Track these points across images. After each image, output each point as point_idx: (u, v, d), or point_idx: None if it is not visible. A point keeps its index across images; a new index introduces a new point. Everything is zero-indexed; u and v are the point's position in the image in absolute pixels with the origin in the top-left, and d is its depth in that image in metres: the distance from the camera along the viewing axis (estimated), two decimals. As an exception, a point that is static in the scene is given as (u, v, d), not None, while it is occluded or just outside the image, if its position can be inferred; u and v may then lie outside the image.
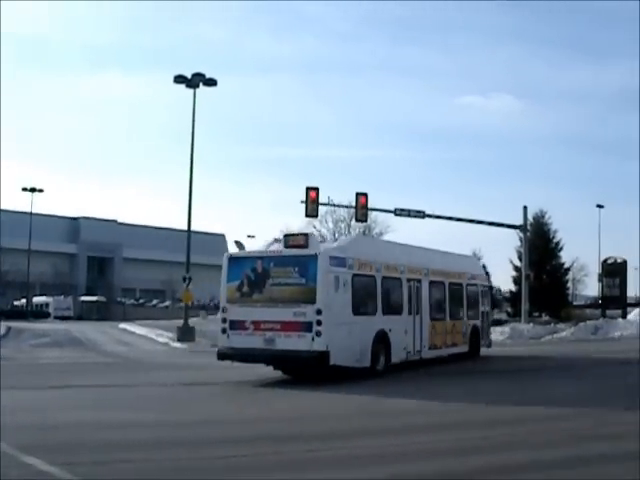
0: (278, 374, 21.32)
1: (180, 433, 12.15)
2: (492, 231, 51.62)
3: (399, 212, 44.02)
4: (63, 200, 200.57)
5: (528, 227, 49.72)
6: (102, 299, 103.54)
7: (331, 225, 67.49)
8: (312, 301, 19.10)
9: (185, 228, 44.23)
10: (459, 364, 25.17)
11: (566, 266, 63.36)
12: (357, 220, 46.48)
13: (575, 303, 77.31)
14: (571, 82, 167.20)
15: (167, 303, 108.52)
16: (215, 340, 38.92)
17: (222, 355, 20.47)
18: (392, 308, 22.46)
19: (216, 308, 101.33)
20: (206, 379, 21.61)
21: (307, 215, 41.76)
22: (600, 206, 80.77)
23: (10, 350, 33.00)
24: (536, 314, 54.24)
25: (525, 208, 47.76)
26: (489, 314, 30.64)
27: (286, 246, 20.37)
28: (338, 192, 65.08)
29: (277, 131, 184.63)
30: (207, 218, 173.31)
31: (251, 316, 19.79)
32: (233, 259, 20.98)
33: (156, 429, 12.55)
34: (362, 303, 21.11)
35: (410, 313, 23.34)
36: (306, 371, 20.41)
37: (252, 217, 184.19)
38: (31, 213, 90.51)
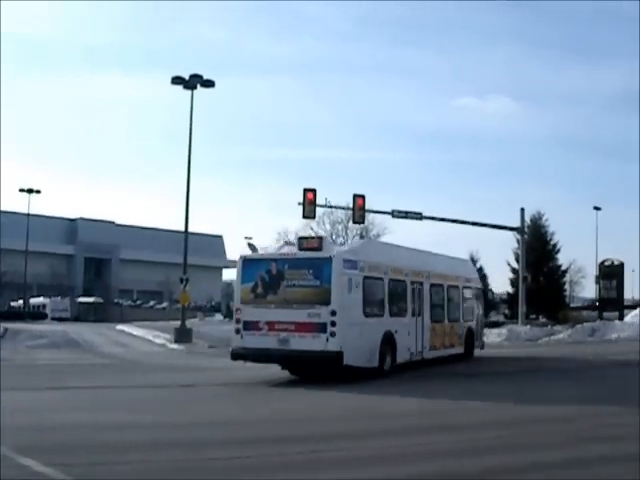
0: (278, 375, 21.39)
1: (177, 434, 12.13)
2: (489, 233, 51.75)
3: (396, 214, 44.02)
4: (60, 201, 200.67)
5: (525, 229, 49.74)
6: (99, 300, 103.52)
7: (328, 227, 67.58)
8: (326, 302, 19.50)
9: (182, 229, 44.25)
10: (457, 365, 25.45)
11: (563, 268, 63.35)
12: (354, 222, 46.48)
13: (572, 305, 77.36)
14: (568, 84, 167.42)
15: (164, 304, 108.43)
16: (212, 341, 39.54)
17: (236, 355, 20.69)
18: (398, 310, 23.00)
19: (213, 309, 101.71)
20: (203, 380, 21.62)
21: (304, 216, 41.76)
22: (597, 208, 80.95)
23: (7, 351, 32.96)
24: (533, 316, 54.21)
25: (522, 210, 47.82)
26: (482, 316, 31.26)
27: (300, 249, 20.79)
28: (336, 193, 65.44)
29: (275, 132, 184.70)
30: (204, 219, 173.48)
31: (265, 317, 20.10)
32: (247, 261, 21.29)
33: (153, 430, 12.54)
34: (371, 305, 21.57)
35: (413, 315, 23.85)
36: (319, 371, 20.68)
37: (249, 218, 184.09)
38: (28, 214, 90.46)
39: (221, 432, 12.58)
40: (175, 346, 39.01)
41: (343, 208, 50.13)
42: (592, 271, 67.12)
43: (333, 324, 19.34)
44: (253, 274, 20.69)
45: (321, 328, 19.41)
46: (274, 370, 21.66)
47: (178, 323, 43.41)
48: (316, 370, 20.79)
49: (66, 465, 9.41)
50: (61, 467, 9.24)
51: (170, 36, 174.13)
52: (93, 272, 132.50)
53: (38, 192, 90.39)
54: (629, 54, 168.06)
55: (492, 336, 41.10)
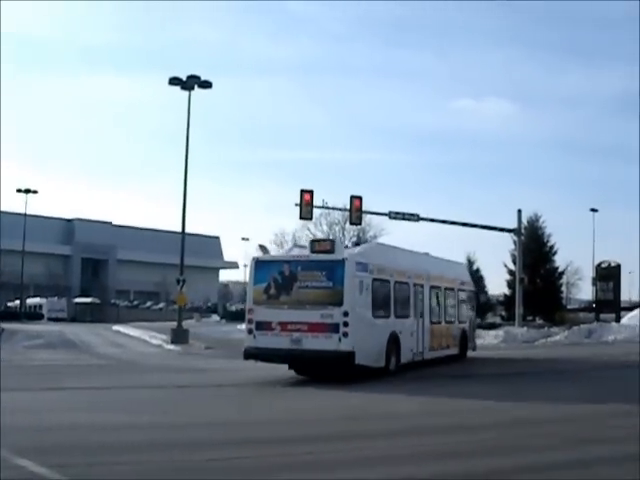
0: (278, 376, 21.54)
1: (174, 435, 12.12)
2: (486, 234, 51.71)
3: (393, 215, 44.06)
4: (58, 202, 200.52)
5: (522, 231, 49.66)
6: (96, 301, 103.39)
7: (325, 228, 67.53)
8: (339, 303, 19.97)
9: (179, 230, 44.22)
10: (455, 366, 25.92)
11: (560, 270, 63.29)
12: (351, 223, 46.54)
13: (569, 307, 77.27)
14: (566, 86, 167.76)
15: (161, 305, 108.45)
16: (208, 343, 39.59)
17: (248, 355, 21.07)
18: (402, 311, 23.55)
19: (209, 310, 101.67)
20: (201, 381, 21.66)
21: (301, 218, 41.83)
22: (594, 210, 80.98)
23: (4, 352, 32.91)
24: (530, 318, 54.21)
25: (519, 212, 47.76)
26: (475, 318, 32.00)
27: (312, 251, 21.28)
28: (333, 195, 65.43)
29: (272, 133, 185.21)
30: (201, 220, 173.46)
31: (278, 317, 20.47)
32: (260, 262, 21.82)
33: (150, 431, 12.53)
34: (379, 306, 22.06)
35: (415, 316, 24.48)
36: (331, 370, 21.00)
37: (246, 219, 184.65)
38: (25, 214, 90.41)
39: (220, 433, 12.56)
40: (172, 347, 38.99)
41: (340, 209, 50.10)
42: (589, 273, 67.14)
43: (346, 324, 19.78)
44: (265, 275, 21.07)
45: (334, 328, 19.84)
46: (273, 371, 21.79)
47: (175, 324, 43.39)
48: (328, 369, 21.11)
49: (62, 466, 9.40)
50: (58, 468, 9.22)
51: (168, 37, 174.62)
52: (90, 273, 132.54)
53: (35, 192, 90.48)
54: (627, 56, 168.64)
55: (489, 338, 41.12)
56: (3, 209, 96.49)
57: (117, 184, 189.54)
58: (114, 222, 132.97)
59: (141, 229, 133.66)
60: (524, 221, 52.33)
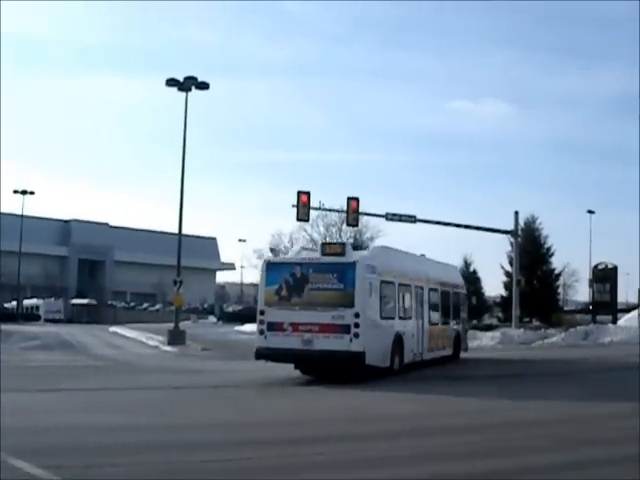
0: (277, 376, 21.76)
1: (172, 436, 12.11)
2: (483, 236, 51.58)
3: (390, 217, 44.05)
4: (54, 203, 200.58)
5: (519, 232, 49.70)
6: (93, 302, 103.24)
7: (322, 229, 67.64)
8: (350, 305, 20.50)
9: (176, 231, 44.18)
10: (452, 367, 26.38)
11: (557, 271, 63.25)
12: (348, 224, 46.60)
13: (566, 308, 77.25)
14: (563, 87, 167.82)
15: (158, 306, 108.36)
16: (205, 344, 39.55)
17: (260, 355, 21.45)
18: (405, 313, 24.18)
19: (206, 312, 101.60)
20: (198, 383, 21.65)
21: (298, 219, 41.83)
22: (591, 212, 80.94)
23: (1, 353, 32.87)
24: (527, 319, 54.24)
25: (516, 213, 47.80)
26: (467, 320, 32.57)
27: (323, 253, 21.82)
28: (330, 196, 65.37)
29: (269, 134, 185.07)
30: (198, 221, 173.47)
31: (289, 318, 20.95)
32: (271, 264, 22.64)
33: (147, 432, 12.53)
34: (386, 308, 22.56)
35: (416, 318, 25.01)
36: (342, 370, 21.26)
37: (243, 221, 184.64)
38: (22, 215, 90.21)
39: (217, 434, 12.55)
40: (168, 348, 38.93)
41: (337, 211, 50.19)
42: (586, 274, 66.99)
43: (357, 325, 20.29)
44: (277, 277, 21.53)
45: (345, 329, 20.36)
46: (271, 372, 21.93)
47: (171, 325, 43.31)
48: (338, 369, 21.39)
49: (59, 467, 9.39)
50: (54, 469, 9.22)
51: (165, 38, 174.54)
52: (87, 274, 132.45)
53: (32, 193, 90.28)
54: (625, 57, 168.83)
55: (486, 339, 41.11)
56: (0, 210, 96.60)
57: (114, 185, 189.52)
58: (111, 223, 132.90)
59: (138, 230, 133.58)
60: (521, 223, 52.37)
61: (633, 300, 65.64)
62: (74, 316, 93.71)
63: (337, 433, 12.65)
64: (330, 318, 20.53)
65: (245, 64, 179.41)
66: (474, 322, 52.07)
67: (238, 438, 12.02)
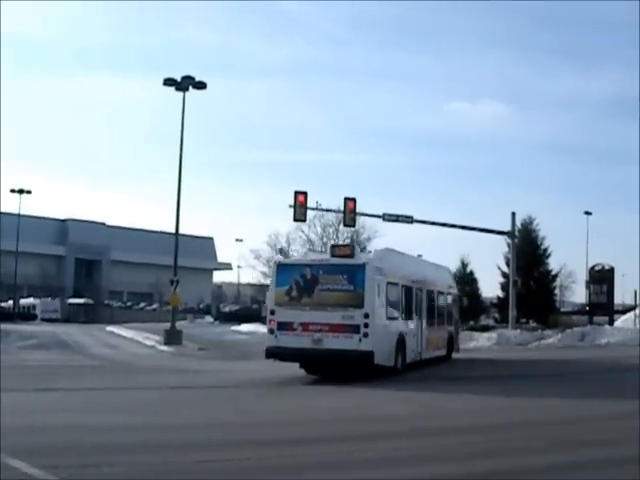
0: (275, 376, 21.97)
1: (168, 436, 12.10)
2: (480, 237, 51.54)
3: (387, 217, 44.07)
4: (51, 202, 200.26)
5: (516, 233, 49.72)
6: (89, 302, 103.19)
7: (319, 229, 67.59)
8: (360, 305, 21.05)
9: (173, 231, 44.17)
10: (448, 367, 26.82)
11: (554, 273, 63.18)
12: (345, 225, 46.53)
13: (562, 310, 77.26)
14: (560, 88, 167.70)
15: (155, 306, 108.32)
16: (202, 344, 39.58)
17: (270, 353, 21.92)
18: (407, 314, 24.78)
19: (203, 311, 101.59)
20: (194, 383, 21.67)
21: (295, 219, 41.86)
22: (588, 213, 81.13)
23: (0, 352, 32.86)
24: (523, 320, 54.19)
25: (513, 214, 47.80)
26: (458, 321, 33.06)
27: (333, 255, 22.48)
28: (327, 196, 65.45)
29: (266, 134, 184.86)
30: (195, 221, 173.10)
31: (300, 318, 21.44)
32: (282, 266, 23.30)
33: (144, 432, 12.53)
34: (391, 309, 23.18)
35: (417, 318, 25.63)
36: (351, 369, 21.73)
37: (240, 221, 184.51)
38: (19, 215, 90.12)
39: (216, 434, 12.55)
40: (165, 348, 38.96)
41: (334, 211, 50.18)
42: (582, 276, 67.14)
43: (366, 326, 20.83)
44: (287, 278, 22.00)
45: (354, 329, 20.88)
46: (269, 372, 22.12)
47: (168, 325, 43.34)
48: (348, 368, 21.80)
49: (56, 467, 9.38)
50: (51, 469, 9.21)
51: (163, 38, 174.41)
52: (83, 273, 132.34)
53: (29, 193, 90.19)
54: (622, 59, 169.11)
55: (482, 340, 41.15)
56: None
57: (111, 185, 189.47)
58: (108, 223, 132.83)
59: (135, 230, 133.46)
60: (518, 224, 52.36)
61: (629, 301, 65.61)
62: (71, 315, 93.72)
63: (336, 433, 12.63)
64: (340, 318, 21.02)
65: (243, 64, 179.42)
66: (471, 323, 52.21)
67: (236, 438, 12.02)
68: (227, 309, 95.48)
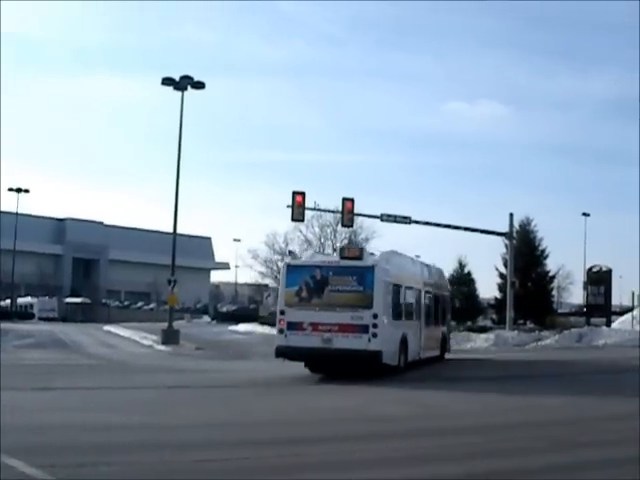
0: (274, 376, 22.20)
1: (166, 436, 12.09)
2: (478, 237, 51.56)
3: (385, 218, 44.10)
4: (49, 201, 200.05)
5: (514, 234, 49.73)
6: (87, 301, 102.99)
7: (317, 230, 67.69)
8: (369, 306, 21.52)
9: (171, 231, 44.14)
10: (446, 367, 27.18)
11: (551, 274, 63.26)
12: (343, 225, 46.62)
13: (560, 311, 77.33)
14: (558, 89, 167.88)
15: (152, 306, 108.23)
16: (199, 343, 39.57)
17: (280, 353, 22.37)
18: (409, 315, 25.24)
19: (200, 311, 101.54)
20: (191, 382, 21.66)
21: (293, 219, 41.91)
22: (586, 214, 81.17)
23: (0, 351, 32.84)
24: (521, 321, 54.24)
25: (511, 215, 47.80)
26: (450, 322, 33.58)
27: (342, 257, 22.89)
28: (325, 197, 65.47)
29: (265, 134, 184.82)
30: (193, 221, 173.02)
31: (309, 318, 21.86)
32: (291, 267, 23.28)
33: (140, 432, 12.52)
34: (396, 309, 23.67)
35: (417, 319, 26.12)
36: (360, 368, 22.06)
37: (238, 220, 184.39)
38: (17, 213, 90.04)
39: (214, 434, 12.54)
40: (162, 347, 38.93)
41: (332, 211, 50.22)
42: (580, 277, 66.94)
43: (375, 326, 21.34)
44: (297, 279, 22.43)
45: (363, 329, 21.36)
46: (267, 372, 22.25)
47: (165, 324, 43.31)
48: (356, 367, 22.14)
49: (53, 466, 9.38)
50: (48, 468, 9.21)
51: (162, 38, 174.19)
52: (81, 272, 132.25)
53: (27, 192, 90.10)
54: (621, 60, 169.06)
55: (480, 341, 41.17)
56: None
57: (109, 184, 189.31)
58: (106, 222, 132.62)
59: (133, 229, 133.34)
60: (516, 225, 52.41)
61: (627, 303, 65.77)
62: (68, 315, 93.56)
63: (336, 433, 12.64)
64: (349, 318, 21.47)
65: (242, 64, 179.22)
66: (468, 324, 52.25)
67: (234, 438, 12.02)
68: (224, 309, 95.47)
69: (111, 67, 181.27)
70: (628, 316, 52.15)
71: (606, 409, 15.96)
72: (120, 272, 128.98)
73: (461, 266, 62.47)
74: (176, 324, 46.78)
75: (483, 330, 47.35)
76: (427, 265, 30.30)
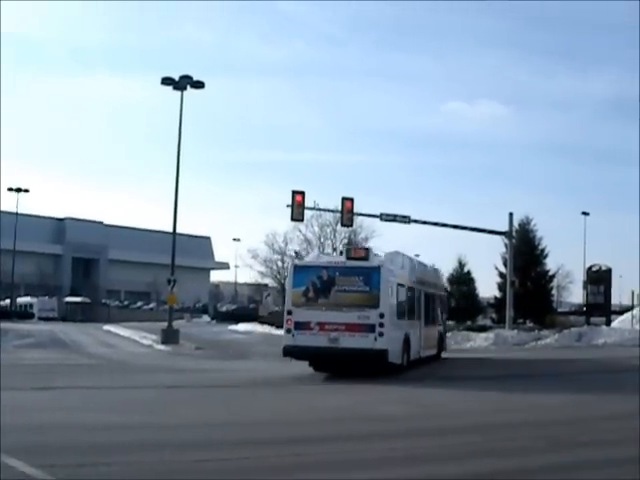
0: (274, 376, 22.31)
1: (165, 435, 12.10)
2: (477, 237, 51.63)
3: (385, 217, 44.10)
4: (49, 201, 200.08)
5: (513, 233, 49.71)
6: (87, 300, 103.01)
7: (317, 229, 67.76)
8: (375, 306, 21.80)
9: (171, 230, 44.14)
10: (444, 366, 27.19)
11: (551, 273, 63.29)
12: (343, 225, 46.63)
13: (559, 310, 77.35)
14: (558, 89, 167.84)
15: (152, 305, 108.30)
16: (199, 343, 39.57)
17: (287, 352, 22.64)
18: (411, 314, 25.52)
19: (200, 311, 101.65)
20: (191, 382, 21.66)
21: (293, 219, 41.90)
22: (585, 213, 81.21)
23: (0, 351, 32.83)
24: (520, 320, 54.25)
25: (511, 214, 47.77)
26: (446, 321, 33.88)
27: (348, 258, 23.17)
28: (324, 196, 65.25)
29: (264, 134, 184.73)
30: (193, 221, 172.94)
31: (316, 318, 22.10)
32: (298, 267, 23.80)
33: (140, 431, 12.50)
34: (400, 309, 23.90)
35: (417, 319, 26.43)
36: (366, 367, 22.33)
37: (238, 220, 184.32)
38: (17, 213, 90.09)
39: (214, 433, 12.54)
40: (162, 347, 38.94)
41: (332, 211, 50.20)
42: (580, 276, 66.94)
43: (381, 325, 21.62)
44: (304, 279, 22.66)
45: (370, 328, 21.63)
46: (266, 372, 22.19)
47: (165, 324, 43.30)
48: (363, 366, 22.40)
49: (53, 466, 9.37)
50: (48, 468, 9.20)
51: (162, 38, 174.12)
52: (81, 272, 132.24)
53: (26, 191, 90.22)
54: (620, 60, 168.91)
55: (479, 340, 41.17)
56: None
57: (109, 184, 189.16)
58: (105, 222, 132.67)
59: (132, 229, 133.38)
60: (515, 224, 52.42)
61: (627, 302, 65.70)
62: (68, 314, 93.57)
63: (336, 432, 12.64)
64: (356, 318, 21.72)
65: (241, 64, 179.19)
66: (468, 323, 52.27)
67: (234, 437, 12.02)
68: (224, 308, 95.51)
69: (111, 67, 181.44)
70: (628, 315, 52.12)
71: (606, 408, 15.97)
72: (120, 272, 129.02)
73: (461, 265, 62.61)
74: (176, 324, 46.78)
75: (483, 329, 47.36)
76: (425, 265, 30.74)
